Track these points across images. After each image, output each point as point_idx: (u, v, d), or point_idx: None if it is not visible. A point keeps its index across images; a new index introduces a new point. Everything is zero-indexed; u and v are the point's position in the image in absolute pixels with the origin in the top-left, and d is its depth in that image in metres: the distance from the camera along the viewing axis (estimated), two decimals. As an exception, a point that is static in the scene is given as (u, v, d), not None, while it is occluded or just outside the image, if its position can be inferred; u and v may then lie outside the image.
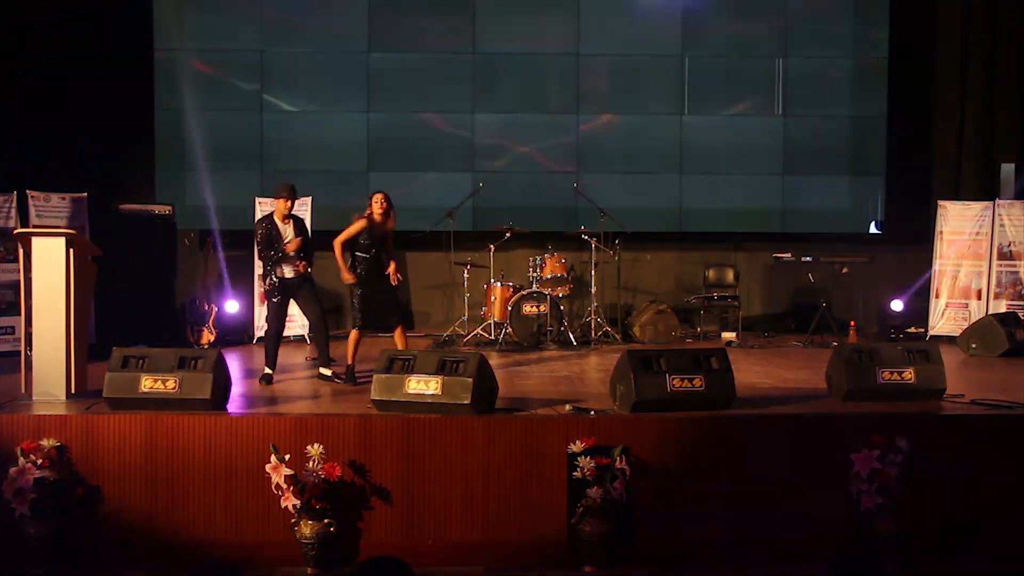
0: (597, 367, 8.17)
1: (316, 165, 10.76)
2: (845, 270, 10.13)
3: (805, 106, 11.01)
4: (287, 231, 7.17)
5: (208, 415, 5.48)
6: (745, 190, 11.08)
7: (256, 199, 10.10)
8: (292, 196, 7.18)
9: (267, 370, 7.18)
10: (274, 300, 7.15)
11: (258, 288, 10.05)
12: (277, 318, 7.23)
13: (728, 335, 10.38)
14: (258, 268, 10.06)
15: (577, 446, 5.27)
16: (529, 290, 9.64)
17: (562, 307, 9.73)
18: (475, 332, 9.88)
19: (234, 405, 6.07)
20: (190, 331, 9.58)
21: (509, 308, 9.50)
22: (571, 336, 9.56)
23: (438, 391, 5.67)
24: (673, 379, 5.74)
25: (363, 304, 7.22)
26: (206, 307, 9.68)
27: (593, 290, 9.94)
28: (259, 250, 7.16)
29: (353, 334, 7.28)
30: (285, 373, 7.85)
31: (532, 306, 9.52)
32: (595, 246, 9.88)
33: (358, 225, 7.19)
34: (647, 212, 11.05)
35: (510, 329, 9.48)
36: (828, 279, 10.27)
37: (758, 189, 11.10)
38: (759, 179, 11.10)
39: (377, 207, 7.25)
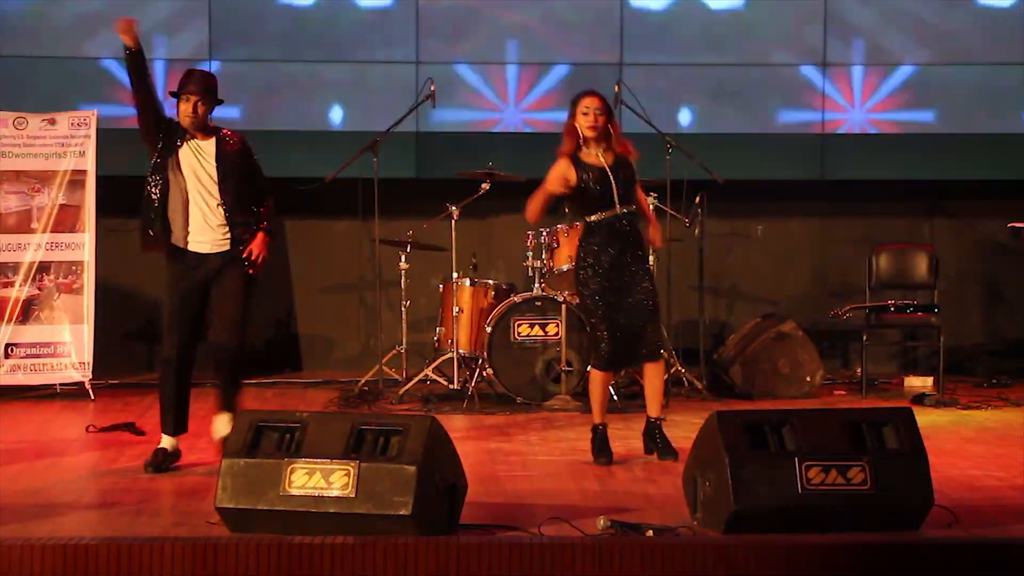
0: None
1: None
2: None
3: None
4: (208, 159, 7.37)
5: None
6: (950, 95, 11.14)
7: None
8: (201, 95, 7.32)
9: (165, 440, 7.29)
10: (178, 290, 7.32)
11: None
12: (173, 325, 7.36)
13: (918, 382, 10.39)
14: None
15: (622, 599, 5.28)
16: (527, 294, 9.68)
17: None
18: (421, 375, 9.91)
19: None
20: None
21: (489, 330, 9.53)
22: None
23: (349, 491, 5.68)
24: (810, 469, 5.76)
25: (608, 318, 7.44)
26: None
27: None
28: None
29: (595, 377, 7.58)
30: (54, 455, 7.83)
31: (532, 325, 9.56)
32: (654, 207, 9.89)
33: (558, 170, 7.47)
34: (757, 141, 11.07)
35: (490, 370, 9.52)
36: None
37: (977, 94, 11.16)
38: (979, 72, 11.16)
39: (586, 121, 7.40)
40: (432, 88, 10.03)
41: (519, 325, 9.55)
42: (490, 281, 10.00)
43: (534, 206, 7.61)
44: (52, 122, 10.08)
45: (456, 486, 5.94)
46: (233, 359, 7.37)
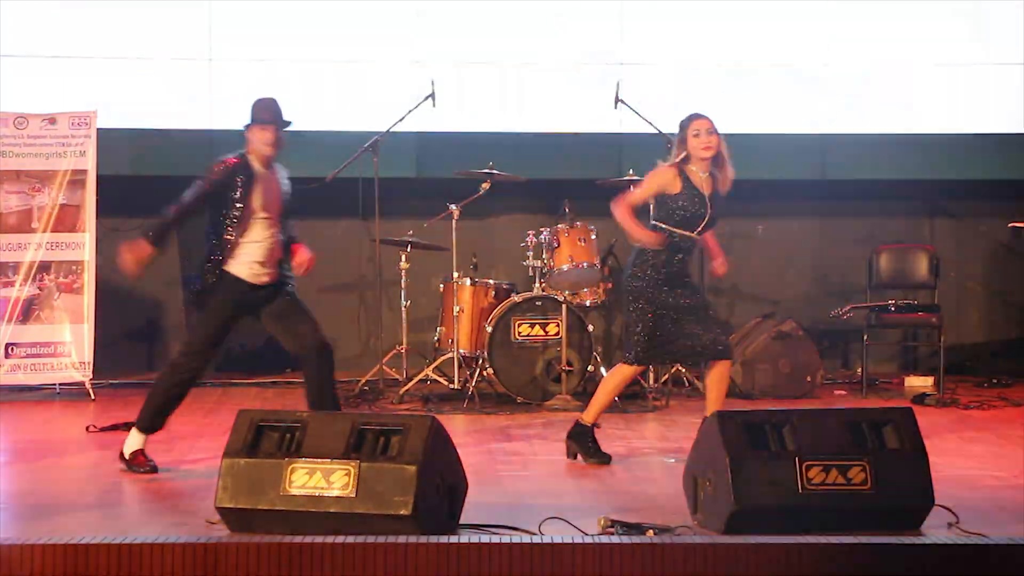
0: (659, 444, 8.21)
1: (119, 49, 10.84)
2: None
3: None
4: (277, 190, 7.38)
5: None
6: (950, 95, 11.15)
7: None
8: (279, 123, 7.36)
9: (134, 438, 7.26)
10: (222, 317, 7.33)
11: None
12: (202, 348, 7.36)
13: (918, 382, 10.39)
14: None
15: (622, 599, 5.28)
16: (527, 294, 9.70)
17: (591, 327, 9.76)
18: (422, 375, 9.93)
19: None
20: None
21: (490, 330, 9.56)
22: (610, 384, 9.64)
23: (350, 491, 5.69)
24: (810, 469, 5.77)
25: (652, 322, 7.42)
26: None
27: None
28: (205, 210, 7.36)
29: (623, 371, 7.54)
30: (54, 455, 7.84)
31: (533, 325, 9.58)
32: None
33: (662, 179, 7.41)
34: (757, 141, 11.09)
35: (490, 370, 9.54)
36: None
37: (977, 94, 11.17)
38: (979, 72, 11.17)
39: (700, 143, 7.42)
40: (432, 88, 10.04)
41: (519, 325, 9.57)
42: (490, 281, 10.01)
43: (627, 214, 7.42)
44: (52, 122, 10.07)
45: (456, 486, 5.96)
46: (331, 354, 7.49)
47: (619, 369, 7.59)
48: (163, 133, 10.66)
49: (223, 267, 7.23)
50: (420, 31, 10.92)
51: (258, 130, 7.29)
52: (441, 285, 10.06)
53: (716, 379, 7.51)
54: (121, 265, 7.21)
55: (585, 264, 9.67)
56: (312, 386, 7.43)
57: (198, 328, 7.42)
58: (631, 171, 10.01)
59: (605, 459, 7.49)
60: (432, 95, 10.03)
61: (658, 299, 7.41)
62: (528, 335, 9.56)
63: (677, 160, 7.46)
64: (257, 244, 7.26)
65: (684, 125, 7.50)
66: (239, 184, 7.21)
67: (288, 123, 7.41)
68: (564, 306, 9.54)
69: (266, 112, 7.34)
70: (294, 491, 5.73)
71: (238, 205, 7.20)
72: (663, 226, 7.40)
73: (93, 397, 9.80)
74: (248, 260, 7.25)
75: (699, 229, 7.46)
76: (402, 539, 5.53)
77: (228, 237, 7.21)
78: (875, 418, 6.05)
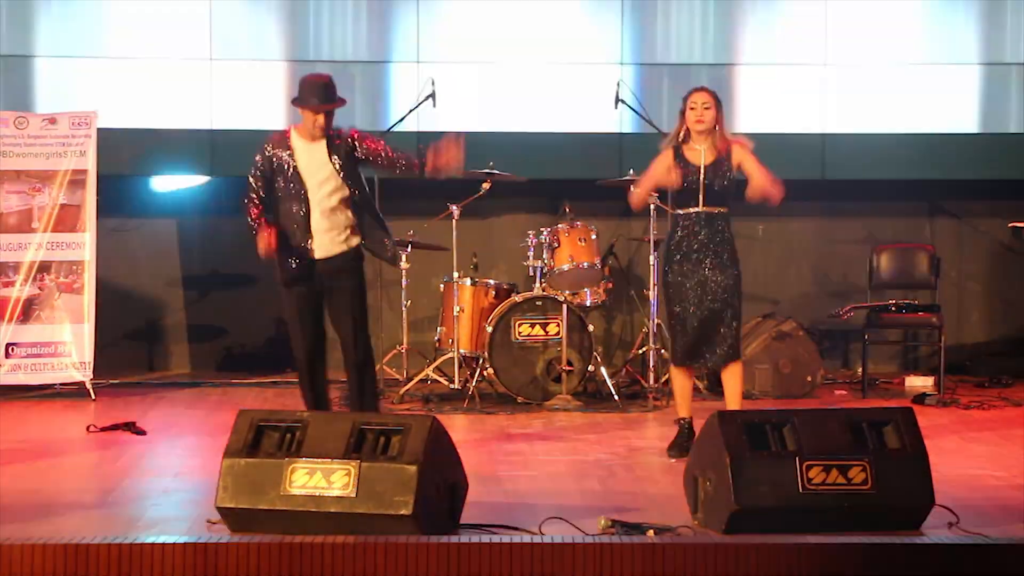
0: (660, 444, 8.18)
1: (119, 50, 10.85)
2: None
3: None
4: (320, 160, 7.47)
5: None
6: (951, 95, 11.15)
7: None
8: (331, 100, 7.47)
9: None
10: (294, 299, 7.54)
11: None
12: (303, 331, 7.65)
13: (919, 382, 10.38)
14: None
15: (622, 599, 5.28)
16: (528, 294, 9.70)
17: (592, 327, 9.77)
18: (422, 375, 9.93)
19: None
20: None
21: (490, 329, 9.55)
22: (609, 383, 9.64)
23: (350, 491, 5.69)
24: (811, 468, 5.77)
25: (679, 314, 7.67)
26: None
27: (652, 293, 10.00)
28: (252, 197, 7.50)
29: (672, 373, 7.87)
30: (54, 455, 7.85)
31: (533, 325, 9.58)
32: (656, 207, 9.89)
33: (659, 165, 7.69)
34: (757, 141, 11.08)
35: (491, 370, 9.54)
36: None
37: (977, 94, 11.17)
38: (979, 72, 11.17)
39: (693, 116, 7.65)
40: (432, 88, 10.03)
41: (520, 325, 9.57)
42: (491, 281, 10.02)
43: (641, 193, 7.78)
44: (53, 122, 10.04)
45: (457, 486, 5.96)
46: (365, 366, 7.69)
47: (673, 374, 7.88)
48: (163, 133, 10.65)
49: (280, 239, 7.41)
50: (420, 31, 10.92)
51: (307, 112, 7.42)
52: (441, 285, 10.06)
53: (725, 379, 7.80)
54: (263, 253, 7.42)
55: (585, 264, 9.68)
56: (348, 389, 7.85)
57: (284, 313, 7.69)
58: (631, 171, 10.02)
59: (673, 453, 7.68)
60: (432, 95, 10.02)
61: (677, 284, 7.63)
62: (528, 335, 9.57)
63: (677, 138, 7.66)
64: (303, 216, 7.42)
65: (684, 97, 7.72)
66: (277, 159, 7.40)
67: (339, 103, 7.50)
68: (564, 306, 9.54)
69: (313, 96, 7.43)
70: (294, 491, 5.73)
71: (280, 178, 7.40)
72: (673, 211, 7.68)
73: (93, 397, 9.78)
74: (298, 232, 7.41)
75: (701, 200, 7.62)
76: (402, 539, 5.54)
77: (280, 209, 7.43)
78: (875, 418, 6.06)
